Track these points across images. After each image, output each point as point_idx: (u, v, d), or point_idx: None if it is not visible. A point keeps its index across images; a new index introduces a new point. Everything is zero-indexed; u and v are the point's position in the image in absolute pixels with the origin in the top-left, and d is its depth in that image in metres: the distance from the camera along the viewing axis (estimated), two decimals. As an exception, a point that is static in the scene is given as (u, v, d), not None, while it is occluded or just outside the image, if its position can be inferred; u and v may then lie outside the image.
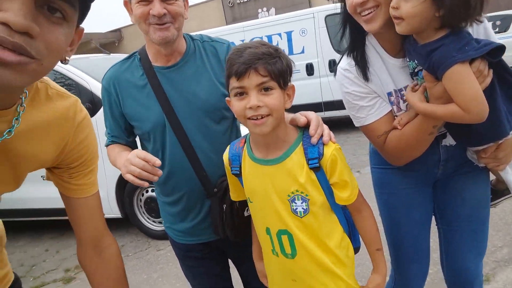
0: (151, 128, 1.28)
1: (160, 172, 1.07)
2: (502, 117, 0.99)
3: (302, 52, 6.52)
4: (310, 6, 12.40)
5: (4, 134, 0.71)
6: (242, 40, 7.01)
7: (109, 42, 13.24)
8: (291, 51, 6.60)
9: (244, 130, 1.49)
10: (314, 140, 1.02)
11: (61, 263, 3.40)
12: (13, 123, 0.72)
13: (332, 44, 6.31)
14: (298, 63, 6.45)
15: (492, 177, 1.30)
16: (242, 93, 0.96)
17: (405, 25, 0.96)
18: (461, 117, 0.95)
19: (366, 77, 1.15)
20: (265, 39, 6.81)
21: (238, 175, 1.13)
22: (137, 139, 1.43)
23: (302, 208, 1.04)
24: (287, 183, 1.04)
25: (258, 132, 0.99)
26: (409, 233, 1.33)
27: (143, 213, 3.49)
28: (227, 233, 1.29)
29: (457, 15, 0.91)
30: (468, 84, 0.91)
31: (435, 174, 1.27)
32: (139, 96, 1.29)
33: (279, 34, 6.73)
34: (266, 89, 0.96)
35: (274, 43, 6.85)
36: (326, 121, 6.78)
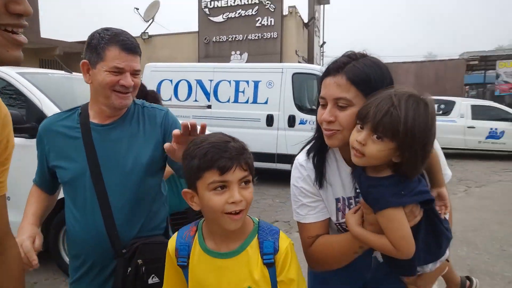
0: (72, 177, 1.33)
1: (35, 264, 1.20)
2: (415, 257, 1.03)
3: (266, 102, 6.81)
4: (280, 58, 13.09)
5: None
6: (211, 80, 7.20)
7: (74, 52, 12.89)
8: (255, 100, 6.88)
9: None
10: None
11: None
12: None
13: (294, 100, 6.68)
14: (260, 112, 6.75)
15: None
16: (223, 186, 0.95)
17: (364, 161, 1.00)
18: (390, 251, 1.01)
19: (320, 184, 1.18)
20: (233, 84, 7.07)
21: (185, 267, 1.06)
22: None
23: None
24: (241, 278, 1.00)
25: (233, 227, 0.97)
26: None
27: (66, 249, 3.22)
28: None
29: (412, 167, 0.98)
30: (398, 225, 0.98)
31: (364, 278, 1.30)
32: (68, 146, 1.35)
33: (247, 82, 7.01)
34: (246, 182, 0.97)
35: (241, 89, 7.12)
36: (277, 172, 6.84)
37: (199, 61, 13.28)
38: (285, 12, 13.66)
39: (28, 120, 3.17)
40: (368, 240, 1.04)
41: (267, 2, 13.31)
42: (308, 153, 1.23)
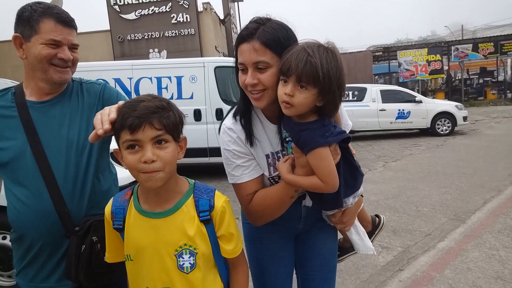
0: (12, 157, 1.25)
1: None
2: (340, 190, 1.20)
3: (191, 97, 6.67)
4: (201, 54, 12.95)
5: None
6: (130, 78, 6.84)
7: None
8: (180, 96, 6.70)
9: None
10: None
11: None
12: None
13: (220, 94, 6.64)
14: (187, 108, 6.55)
15: (339, 236, 1.53)
16: (134, 145, 0.96)
17: (293, 111, 1.10)
18: (320, 187, 1.12)
19: (251, 142, 1.26)
20: (155, 80, 6.80)
21: (121, 230, 1.08)
22: None
23: (189, 263, 1.02)
24: (177, 237, 1.02)
25: (149, 186, 0.98)
26: (274, 284, 1.44)
27: None
28: (80, 277, 1.22)
29: (334, 105, 1.12)
30: (327, 162, 1.10)
31: (296, 229, 1.43)
32: (4, 126, 1.27)
33: (169, 78, 6.79)
34: (160, 142, 0.97)
35: (164, 85, 6.89)
36: (211, 166, 6.84)
37: (114, 60, 12.53)
38: (200, 8, 13.54)
39: None
40: (300, 182, 1.15)
41: (181, -1, 13.08)
42: (234, 116, 1.28)
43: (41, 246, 1.25)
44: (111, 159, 1.47)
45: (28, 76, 1.31)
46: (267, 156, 1.28)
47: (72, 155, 1.28)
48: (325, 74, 1.04)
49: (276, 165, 1.25)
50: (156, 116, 0.95)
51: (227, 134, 1.27)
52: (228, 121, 1.29)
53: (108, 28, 13.25)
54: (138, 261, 1.06)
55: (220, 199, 1.07)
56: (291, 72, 1.06)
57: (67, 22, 1.26)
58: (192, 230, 1.02)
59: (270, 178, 1.30)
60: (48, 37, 1.22)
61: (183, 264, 1.02)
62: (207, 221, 1.04)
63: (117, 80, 6.85)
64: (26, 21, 1.24)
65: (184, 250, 1.02)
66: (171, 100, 1.04)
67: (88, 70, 6.91)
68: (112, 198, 1.13)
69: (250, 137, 1.26)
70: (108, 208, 1.11)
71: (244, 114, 1.27)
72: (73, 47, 1.29)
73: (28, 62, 1.27)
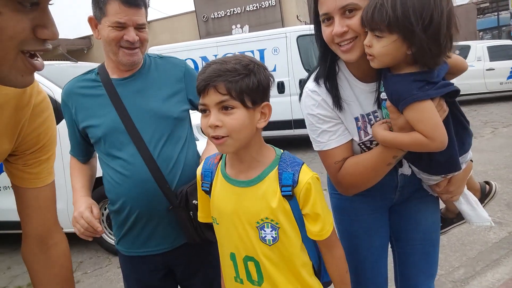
0: (105, 132, 1.31)
1: (100, 230, 1.25)
2: (455, 150, 1.04)
3: (274, 70, 6.62)
4: (282, 26, 12.73)
5: None
6: (215, 55, 7.06)
7: (77, 49, 12.86)
8: (263, 69, 6.71)
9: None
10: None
11: (12, 280, 3.17)
12: None
13: (303, 64, 6.47)
14: (270, 80, 6.57)
15: (441, 205, 1.36)
16: (205, 110, 0.93)
17: (377, 62, 1.00)
18: (426, 145, 0.97)
19: (340, 107, 1.14)
20: (238, 55, 6.90)
21: (208, 192, 1.08)
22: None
23: (272, 236, 0.98)
24: (258, 209, 0.98)
25: (220, 151, 0.97)
26: (368, 258, 1.35)
27: (105, 227, 3.33)
28: (202, 236, 1.30)
29: (428, 53, 0.93)
30: (430, 114, 0.95)
31: (391, 199, 1.29)
32: (93, 104, 1.33)
33: (252, 51, 6.82)
34: (226, 107, 0.90)
35: (247, 60, 6.93)
36: (296, 138, 6.84)
37: (200, 39, 13.08)
38: (280, -22, 13.19)
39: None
40: (399, 140, 1.01)
41: (261, -30, 12.87)
42: (316, 78, 1.17)
43: (138, 214, 1.32)
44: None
45: (107, 56, 1.35)
46: (357, 119, 1.16)
47: (157, 125, 1.31)
48: (399, 16, 0.90)
49: (366, 128, 1.15)
50: (221, 79, 0.89)
51: (310, 98, 1.17)
52: (311, 84, 1.19)
53: (193, 8, 13.76)
54: (222, 225, 1.05)
55: (306, 175, 0.97)
56: (365, 21, 0.97)
57: (132, 2, 1.23)
58: (274, 203, 0.96)
59: (361, 144, 1.18)
60: (113, 20, 1.23)
61: (265, 236, 0.98)
62: (290, 197, 0.96)
63: (204, 58, 7.13)
64: (96, 3, 1.26)
65: (265, 224, 0.97)
66: (257, 62, 0.96)
67: (176, 51, 7.31)
68: (203, 160, 1.14)
69: (338, 100, 1.14)
70: (199, 170, 1.12)
71: (328, 76, 1.15)
72: (139, 27, 1.27)
73: (103, 44, 1.31)
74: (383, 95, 1.07)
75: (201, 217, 1.18)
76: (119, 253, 1.45)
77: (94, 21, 1.30)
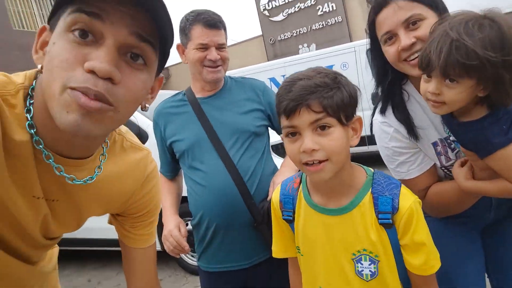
0: (190, 144, 1.39)
1: (187, 248, 1.36)
2: None
3: (344, 85, 6.47)
4: (350, 41, 12.50)
5: (83, 180, 0.72)
6: (283, 76, 7.13)
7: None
8: (332, 85, 6.59)
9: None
10: None
11: (102, 295, 3.43)
12: (95, 171, 0.74)
13: (374, 77, 6.21)
14: (340, 96, 6.42)
15: None
16: (294, 133, 0.83)
17: (446, 109, 0.89)
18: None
19: (415, 136, 1.05)
20: (306, 74, 6.87)
21: (291, 221, 0.97)
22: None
23: (370, 271, 0.87)
24: (352, 239, 0.87)
25: (316, 180, 0.88)
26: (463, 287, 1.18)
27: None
28: None
29: (503, 96, 0.83)
30: None
31: (486, 219, 1.14)
32: (180, 121, 1.44)
33: (320, 69, 6.76)
34: (323, 127, 0.81)
35: (315, 78, 6.86)
36: (371, 155, 6.49)
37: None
38: (347, -6, 13.02)
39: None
40: (484, 190, 0.92)
41: (325, -11, 12.87)
42: (383, 111, 1.09)
43: (216, 226, 1.35)
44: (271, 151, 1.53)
45: (193, 77, 1.48)
46: (435, 144, 1.07)
47: (237, 137, 1.38)
48: (481, 57, 0.77)
49: (447, 153, 1.05)
50: (315, 96, 0.79)
51: (381, 130, 1.11)
52: (378, 116, 1.13)
53: (260, 33, 14.23)
54: (309, 257, 0.95)
55: (407, 200, 0.85)
56: (433, 66, 0.84)
57: (213, 24, 1.36)
58: (371, 233, 0.85)
59: (444, 168, 1.07)
60: (197, 42, 1.35)
61: (362, 270, 0.87)
62: (389, 225, 0.85)
63: (272, 79, 7.25)
64: (182, 30, 1.41)
65: (363, 256, 0.87)
66: (340, 74, 0.87)
67: (245, 74, 7.58)
68: (280, 184, 1.04)
69: (412, 129, 1.05)
70: (276, 196, 1.01)
71: (397, 105, 1.06)
72: (220, 47, 1.38)
73: (190, 66, 1.44)
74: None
75: (276, 252, 1.05)
76: (199, 270, 1.48)
77: (181, 48, 1.44)
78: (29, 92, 0.64)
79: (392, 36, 0.99)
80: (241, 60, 13.99)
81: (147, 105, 0.70)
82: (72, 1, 0.57)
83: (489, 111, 0.86)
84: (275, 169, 1.47)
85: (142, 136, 3.48)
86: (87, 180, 0.72)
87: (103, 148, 0.76)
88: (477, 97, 0.86)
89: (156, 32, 0.62)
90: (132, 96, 0.61)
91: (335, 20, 12.93)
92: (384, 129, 1.09)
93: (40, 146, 0.64)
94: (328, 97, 0.80)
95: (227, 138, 1.38)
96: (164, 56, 0.68)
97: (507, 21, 0.81)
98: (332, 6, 12.93)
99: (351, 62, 6.46)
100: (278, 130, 1.47)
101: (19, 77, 0.65)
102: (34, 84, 0.65)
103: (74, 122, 0.56)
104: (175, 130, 1.44)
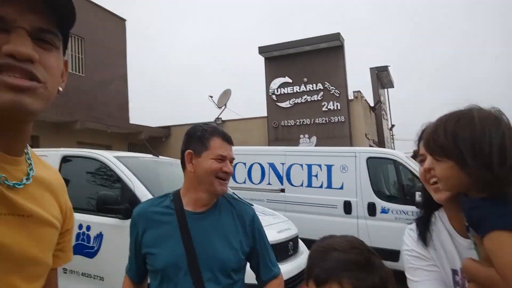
0: (165, 264, 1.31)
1: None
2: None
3: (341, 188, 6.55)
4: (350, 141, 13.00)
5: (23, 180, 0.71)
6: (283, 164, 7.22)
7: (157, 137, 14.15)
8: (329, 185, 6.67)
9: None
10: None
11: None
12: (28, 171, 0.74)
13: (372, 186, 6.33)
14: (336, 198, 6.47)
15: None
16: None
17: (442, 186, 0.97)
18: (496, 283, 0.84)
19: (424, 240, 1.13)
20: (305, 167, 6.99)
21: None
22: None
23: None
24: None
25: None
26: None
27: None
28: None
29: (482, 184, 0.88)
30: (505, 250, 0.83)
31: None
32: (162, 232, 1.37)
33: (319, 165, 6.89)
34: None
35: (314, 173, 6.97)
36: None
37: (269, 144, 13.67)
38: (351, 97, 13.91)
39: (122, 201, 3.34)
40: (476, 271, 0.92)
41: (332, 88, 13.75)
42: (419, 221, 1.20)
43: None
44: None
45: (190, 186, 1.43)
46: (455, 272, 1.08)
47: (222, 271, 1.34)
48: (449, 142, 0.90)
49: (465, 286, 1.04)
50: (347, 275, 0.81)
51: (407, 235, 1.21)
52: (411, 225, 1.23)
53: (265, 115, 14.82)
54: None
55: None
56: (423, 143, 1.03)
57: (229, 140, 1.45)
58: None
59: None
60: (217, 153, 1.38)
61: None
62: None
63: (271, 165, 7.33)
64: (198, 139, 1.41)
65: None
66: (373, 252, 0.89)
67: (247, 153, 7.64)
68: None
69: (423, 233, 1.14)
70: None
71: (425, 221, 1.16)
72: (231, 161, 1.44)
73: (196, 175, 1.40)
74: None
75: None
76: None
77: (191, 155, 1.42)
78: None
79: (423, 159, 1.10)
80: (242, 135, 14.35)
81: (60, 89, 0.74)
82: None
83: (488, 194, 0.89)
84: None
85: (135, 204, 3.33)
86: (24, 181, 0.71)
87: (27, 152, 0.77)
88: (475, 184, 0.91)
89: (56, 19, 0.68)
90: (53, 72, 0.67)
91: (338, 119, 13.61)
92: (410, 233, 1.20)
93: None
94: (360, 278, 0.81)
95: (206, 267, 1.31)
96: (65, 37, 0.73)
97: (492, 119, 0.89)
98: (337, 105, 13.71)
99: (351, 166, 6.61)
100: (254, 268, 1.47)
101: None
102: None
103: (10, 99, 0.60)
104: (153, 241, 1.37)
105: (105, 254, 3.27)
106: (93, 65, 13.20)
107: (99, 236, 3.39)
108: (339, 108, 13.70)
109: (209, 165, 1.37)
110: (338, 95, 13.72)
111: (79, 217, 3.50)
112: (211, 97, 15.45)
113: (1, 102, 0.60)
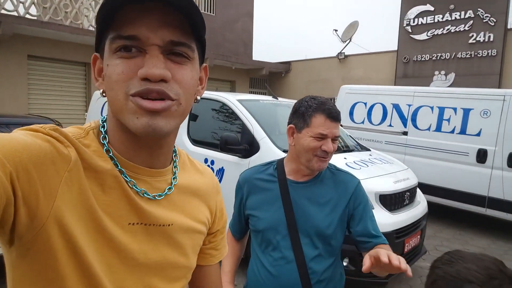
0: (266, 227, 1.39)
1: None
2: None
3: (478, 134, 5.70)
4: (499, 81, 10.91)
5: (165, 191, 0.73)
6: (409, 105, 6.59)
7: (277, 72, 14.32)
8: (463, 130, 5.87)
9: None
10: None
11: None
12: (171, 181, 0.76)
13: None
14: (470, 145, 5.70)
15: None
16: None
17: None
18: None
19: None
20: (436, 110, 6.24)
21: None
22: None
23: None
24: None
25: None
26: None
27: None
28: None
29: None
30: None
31: None
32: (265, 198, 1.43)
33: (455, 109, 6.05)
34: None
35: (446, 117, 6.19)
36: (487, 219, 5.71)
37: (395, 82, 12.50)
38: (510, 25, 11.29)
39: (242, 142, 3.63)
40: None
41: (486, 15, 11.33)
42: None
43: None
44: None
45: (291, 158, 1.45)
46: None
47: (319, 239, 1.36)
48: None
49: None
50: None
51: None
52: None
53: (395, 49, 13.36)
54: None
55: None
56: None
57: (335, 117, 1.36)
58: None
59: None
60: (317, 131, 1.34)
61: None
62: None
63: (395, 106, 6.76)
64: (301, 114, 1.39)
65: None
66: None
67: (370, 93, 7.20)
68: None
69: None
70: None
71: None
72: (335, 139, 1.38)
73: (295, 149, 1.41)
74: None
75: None
76: None
77: (292, 130, 1.43)
78: (100, 123, 0.71)
79: None
80: (365, 71, 13.40)
81: (198, 97, 0.73)
82: (109, 26, 0.62)
83: None
84: (342, 275, 1.48)
85: (253, 145, 3.60)
86: (166, 191, 0.73)
87: (175, 160, 0.79)
88: None
89: (190, 30, 0.65)
90: (187, 86, 0.66)
91: (488, 53, 11.38)
92: None
93: (123, 171, 0.67)
94: None
95: (305, 233, 1.36)
96: (202, 43, 0.71)
97: None
98: (489, 36, 11.39)
99: (496, 111, 5.61)
100: (356, 237, 1.41)
101: (86, 125, 0.72)
102: (104, 117, 0.72)
103: (145, 124, 0.61)
104: (256, 205, 1.43)
105: (225, 186, 3.61)
106: (222, 5, 13.66)
107: (221, 170, 3.80)
108: (491, 39, 11.35)
109: (307, 143, 1.36)
110: (493, 23, 11.30)
111: (206, 152, 3.97)
112: (336, 30, 14.54)
113: (138, 127, 0.62)
